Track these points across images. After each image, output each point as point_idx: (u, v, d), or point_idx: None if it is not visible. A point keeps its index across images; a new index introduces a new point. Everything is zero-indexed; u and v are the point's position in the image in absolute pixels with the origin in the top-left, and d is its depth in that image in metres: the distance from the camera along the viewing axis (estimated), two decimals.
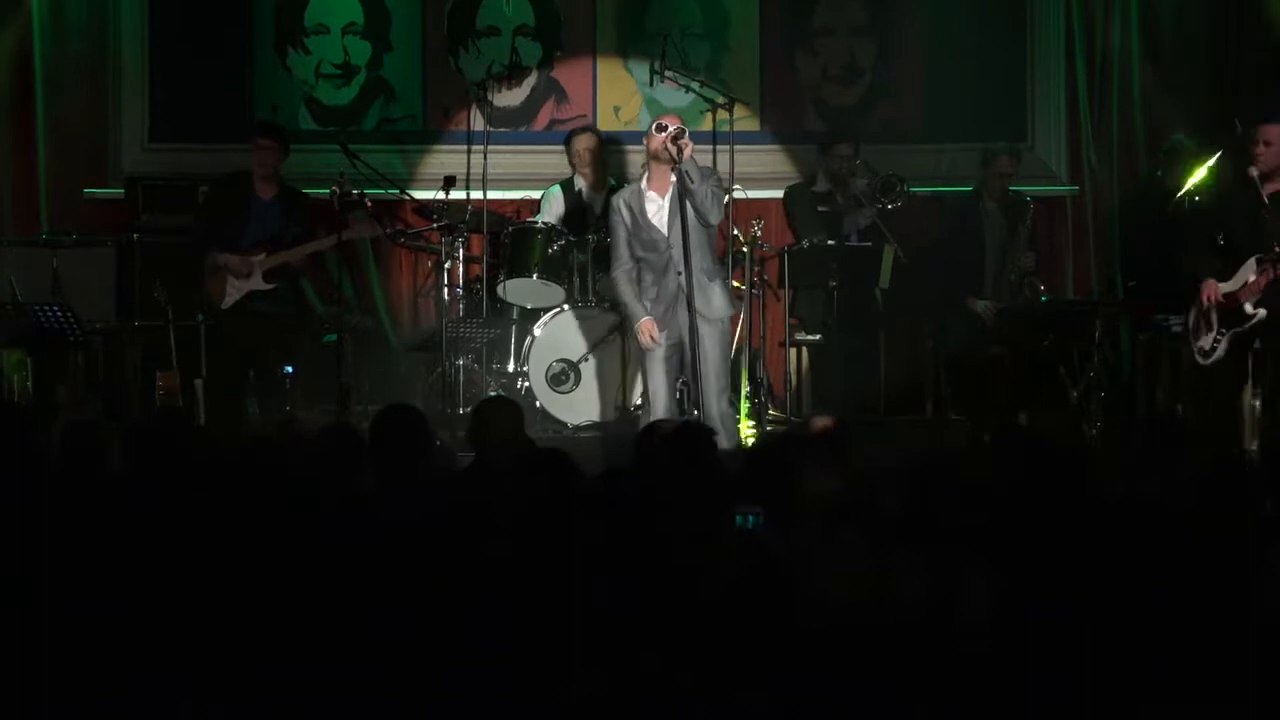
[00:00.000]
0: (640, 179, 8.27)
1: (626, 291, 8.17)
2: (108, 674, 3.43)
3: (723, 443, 7.77)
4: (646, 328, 8.05)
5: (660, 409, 8.00)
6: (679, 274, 7.99)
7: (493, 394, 8.98)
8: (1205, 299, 8.56)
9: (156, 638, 3.53)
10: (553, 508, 4.30)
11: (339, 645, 3.56)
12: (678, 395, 8.23)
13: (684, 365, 8.07)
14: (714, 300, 8.03)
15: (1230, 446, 7.83)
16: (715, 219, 8.05)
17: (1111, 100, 10.78)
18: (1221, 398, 8.78)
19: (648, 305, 8.09)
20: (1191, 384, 8.94)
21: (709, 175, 8.02)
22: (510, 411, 6.21)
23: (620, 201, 8.16)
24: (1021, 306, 9.83)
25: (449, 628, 3.58)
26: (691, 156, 7.92)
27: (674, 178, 7.98)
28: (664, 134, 7.93)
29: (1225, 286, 8.59)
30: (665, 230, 8.03)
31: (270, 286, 9.32)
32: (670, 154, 7.90)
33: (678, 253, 7.95)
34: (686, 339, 7.97)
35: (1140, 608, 3.51)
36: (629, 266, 8.15)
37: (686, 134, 7.94)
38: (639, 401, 9.29)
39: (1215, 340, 8.59)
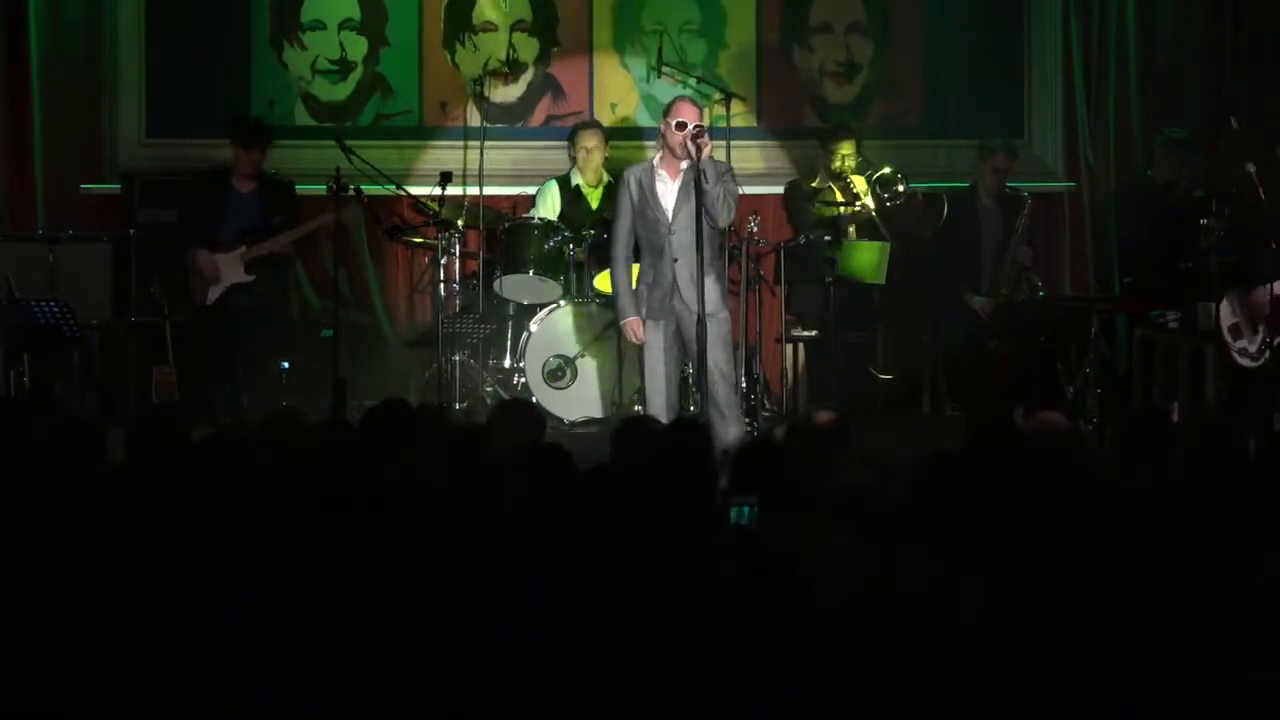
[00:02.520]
0: (654, 157, 8.16)
1: (620, 280, 8.08)
2: (108, 672, 3.43)
3: (730, 431, 7.79)
4: (632, 327, 8.02)
5: (659, 401, 7.94)
6: (675, 261, 7.93)
7: (516, 397, 8.95)
8: (1263, 308, 8.60)
9: (156, 636, 3.53)
10: (548, 502, 4.30)
11: (331, 640, 3.56)
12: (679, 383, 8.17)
13: (686, 354, 8.03)
14: (710, 296, 7.87)
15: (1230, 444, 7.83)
16: (724, 222, 8.00)
17: (1108, 97, 10.78)
18: (1259, 399, 8.81)
19: (644, 291, 8.02)
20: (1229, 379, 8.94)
21: (725, 175, 7.97)
22: (528, 414, 6.19)
23: (631, 177, 8.06)
24: (1018, 302, 9.85)
25: (441, 623, 3.58)
26: (710, 156, 7.87)
27: (682, 167, 7.94)
28: (683, 132, 7.85)
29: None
30: (670, 214, 7.95)
31: (251, 278, 9.35)
32: (690, 152, 7.85)
33: (678, 239, 7.89)
34: (684, 327, 7.92)
35: (1138, 605, 3.51)
36: (626, 251, 8.07)
37: (706, 133, 7.87)
38: (634, 398, 9.31)
39: (1265, 343, 8.61)
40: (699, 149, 7.76)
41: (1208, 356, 8.93)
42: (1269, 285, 8.72)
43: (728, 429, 7.79)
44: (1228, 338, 8.78)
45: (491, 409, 6.50)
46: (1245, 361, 8.71)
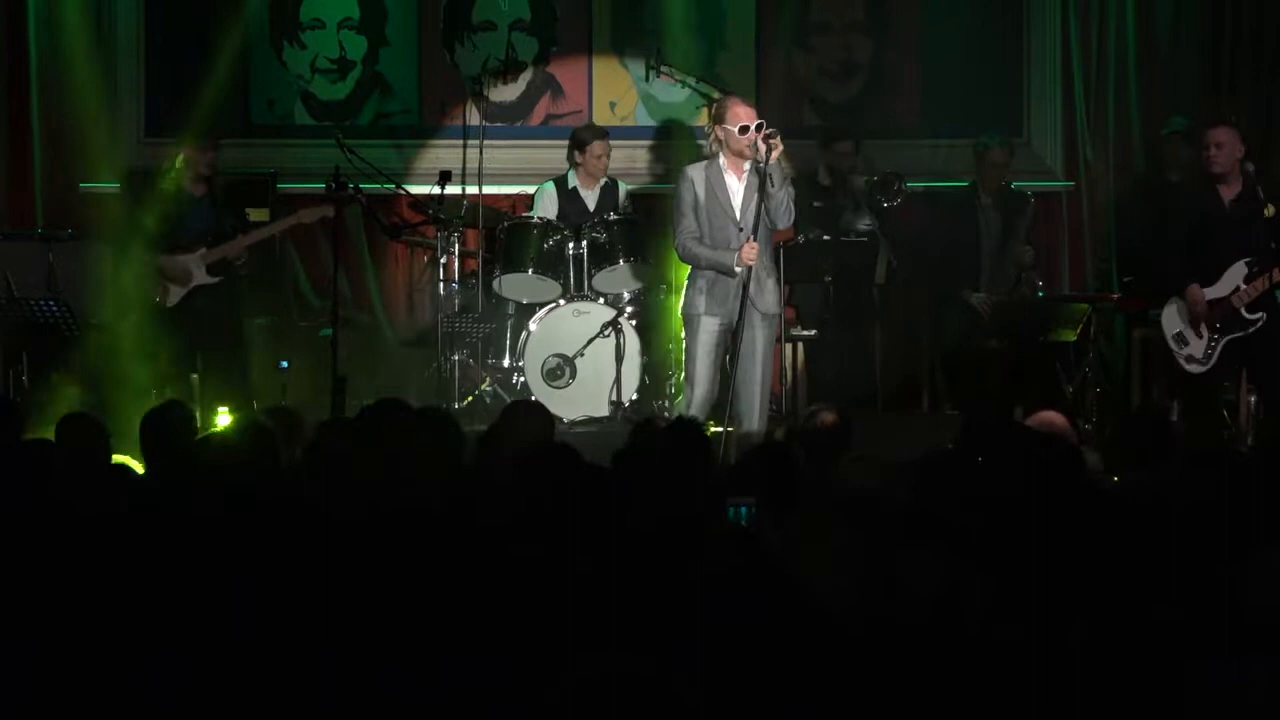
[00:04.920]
0: (716, 157, 7.98)
1: (701, 249, 7.90)
2: (109, 671, 3.43)
3: (752, 425, 7.79)
4: (747, 248, 7.78)
5: (701, 392, 7.90)
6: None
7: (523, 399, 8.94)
8: (1198, 306, 8.52)
9: (157, 635, 3.54)
10: (555, 501, 4.30)
11: (332, 639, 3.56)
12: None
13: (731, 352, 7.95)
14: (769, 295, 7.89)
15: (1225, 446, 7.84)
16: (784, 224, 7.98)
17: (1107, 96, 10.79)
18: (1214, 400, 8.78)
19: (705, 285, 7.88)
20: (1181, 388, 8.89)
21: (787, 178, 7.95)
22: (538, 415, 6.20)
23: (696, 175, 7.95)
24: (1017, 301, 9.85)
25: (442, 623, 3.59)
26: (778, 159, 7.80)
27: (746, 167, 7.89)
28: (756, 133, 7.73)
29: (1211, 291, 8.55)
30: (739, 214, 7.93)
31: (215, 280, 9.33)
32: (759, 151, 7.74)
33: (747, 238, 7.82)
34: (740, 326, 7.82)
35: (1136, 607, 3.52)
36: (696, 233, 7.92)
37: (779, 134, 7.77)
38: (634, 398, 9.31)
39: (1210, 347, 8.55)
40: (770, 149, 7.70)
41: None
42: (1198, 284, 8.60)
43: (754, 425, 7.80)
44: (1174, 346, 8.66)
45: (503, 410, 6.49)
46: (1194, 368, 8.62)
